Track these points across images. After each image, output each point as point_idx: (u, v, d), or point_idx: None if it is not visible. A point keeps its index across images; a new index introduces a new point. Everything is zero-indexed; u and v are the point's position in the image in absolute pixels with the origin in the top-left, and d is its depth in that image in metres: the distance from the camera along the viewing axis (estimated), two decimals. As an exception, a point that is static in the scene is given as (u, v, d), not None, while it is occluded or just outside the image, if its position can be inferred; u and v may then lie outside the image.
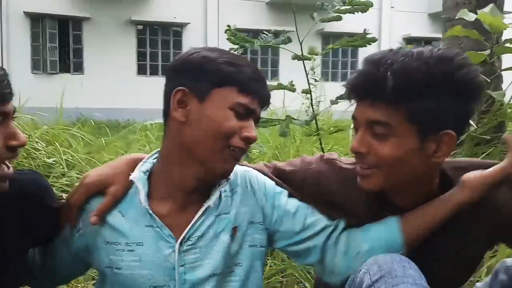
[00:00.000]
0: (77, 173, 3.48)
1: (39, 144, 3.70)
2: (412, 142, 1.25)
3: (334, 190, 1.43)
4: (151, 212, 1.30)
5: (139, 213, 1.31)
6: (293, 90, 2.84)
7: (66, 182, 3.36)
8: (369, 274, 1.23)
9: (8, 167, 1.19)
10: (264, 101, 1.32)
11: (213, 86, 1.27)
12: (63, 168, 3.51)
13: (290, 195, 1.44)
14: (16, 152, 1.18)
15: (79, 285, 2.38)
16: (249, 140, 1.29)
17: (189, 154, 1.29)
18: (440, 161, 1.29)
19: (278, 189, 1.44)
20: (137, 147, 4.34)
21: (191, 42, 15.66)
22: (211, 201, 1.32)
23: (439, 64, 1.22)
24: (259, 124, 1.43)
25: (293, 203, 1.43)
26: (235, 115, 1.27)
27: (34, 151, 3.60)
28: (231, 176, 1.35)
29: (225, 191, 1.37)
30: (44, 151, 3.65)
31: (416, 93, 1.21)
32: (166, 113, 1.32)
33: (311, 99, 3.01)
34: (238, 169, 1.41)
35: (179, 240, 1.30)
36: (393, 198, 1.39)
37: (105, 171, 1.37)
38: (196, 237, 1.31)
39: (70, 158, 3.66)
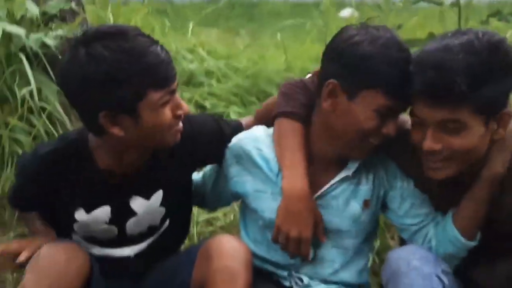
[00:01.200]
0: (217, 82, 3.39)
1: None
2: (480, 130, 1.32)
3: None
4: None
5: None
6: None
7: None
8: (383, 275, 1.44)
9: (179, 124, 1.42)
10: (409, 101, 1.38)
11: (364, 87, 1.38)
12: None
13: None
14: (181, 118, 1.41)
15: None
16: (388, 137, 1.42)
17: (333, 136, 1.46)
18: (500, 137, 1.36)
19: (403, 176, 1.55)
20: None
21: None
22: (348, 172, 1.50)
23: (494, 54, 1.29)
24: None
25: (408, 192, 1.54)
26: (378, 116, 1.39)
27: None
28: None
29: (363, 166, 1.52)
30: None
31: (480, 87, 1.27)
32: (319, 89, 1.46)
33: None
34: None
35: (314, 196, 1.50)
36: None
37: None
38: (331, 197, 1.51)
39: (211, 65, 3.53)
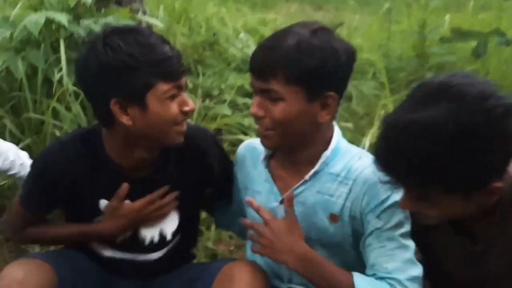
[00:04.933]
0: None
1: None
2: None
3: None
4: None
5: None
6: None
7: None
8: None
9: (184, 125, 1.48)
10: None
11: None
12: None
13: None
14: (189, 115, 1.48)
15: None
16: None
17: None
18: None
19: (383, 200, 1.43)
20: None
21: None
22: (308, 175, 1.46)
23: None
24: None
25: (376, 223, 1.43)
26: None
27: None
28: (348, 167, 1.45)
29: (338, 175, 1.46)
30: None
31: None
32: None
33: None
34: (359, 165, 1.45)
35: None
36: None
37: None
38: (296, 202, 1.45)
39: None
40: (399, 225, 1.40)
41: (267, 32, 3.60)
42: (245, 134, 2.87)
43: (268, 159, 1.54)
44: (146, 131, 1.44)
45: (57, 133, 2.41)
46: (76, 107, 2.42)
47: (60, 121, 2.44)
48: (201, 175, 1.61)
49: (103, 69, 1.39)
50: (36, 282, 1.43)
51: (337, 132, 1.49)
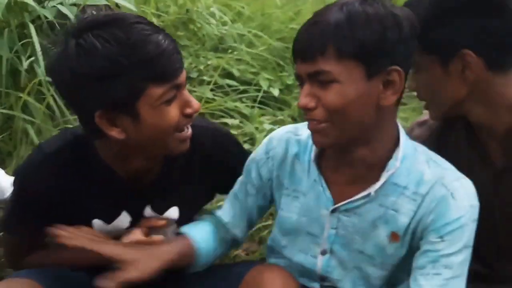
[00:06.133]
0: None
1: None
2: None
3: None
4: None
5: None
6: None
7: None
8: None
9: (188, 129, 1.27)
10: None
11: None
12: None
13: None
14: (192, 117, 1.26)
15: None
16: None
17: None
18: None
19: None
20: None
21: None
22: (373, 189, 1.26)
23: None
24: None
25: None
26: None
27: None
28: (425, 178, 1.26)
29: (405, 187, 1.26)
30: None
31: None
32: None
33: None
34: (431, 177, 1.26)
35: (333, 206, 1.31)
36: None
37: None
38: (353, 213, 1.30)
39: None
40: (462, 250, 1.23)
41: (243, 6, 3.43)
42: (231, 117, 2.70)
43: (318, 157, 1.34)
44: (143, 142, 1.23)
45: (29, 129, 2.16)
46: (49, 98, 2.18)
47: (31, 115, 2.19)
48: (207, 179, 1.44)
49: (78, 78, 1.15)
50: None
51: (402, 133, 1.28)
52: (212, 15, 3.24)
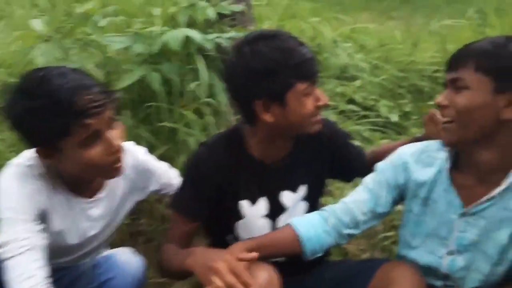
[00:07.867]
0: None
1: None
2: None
3: None
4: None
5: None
6: None
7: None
8: None
9: (319, 115, 1.63)
10: None
11: None
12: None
13: None
14: (322, 108, 1.61)
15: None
16: None
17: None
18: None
19: None
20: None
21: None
22: (497, 191, 1.47)
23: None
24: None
25: None
26: None
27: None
28: None
29: None
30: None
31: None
32: None
33: None
34: None
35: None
36: None
37: None
38: (479, 216, 1.50)
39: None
40: None
41: (364, 39, 3.72)
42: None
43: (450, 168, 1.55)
44: (286, 125, 1.59)
45: (190, 141, 2.52)
46: (208, 116, 2.55)
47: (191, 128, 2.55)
48: (325, 160, 1.77)
49: (250, 73, 1.54)
50: None
51: None
52: (337, 46, 3.55)
